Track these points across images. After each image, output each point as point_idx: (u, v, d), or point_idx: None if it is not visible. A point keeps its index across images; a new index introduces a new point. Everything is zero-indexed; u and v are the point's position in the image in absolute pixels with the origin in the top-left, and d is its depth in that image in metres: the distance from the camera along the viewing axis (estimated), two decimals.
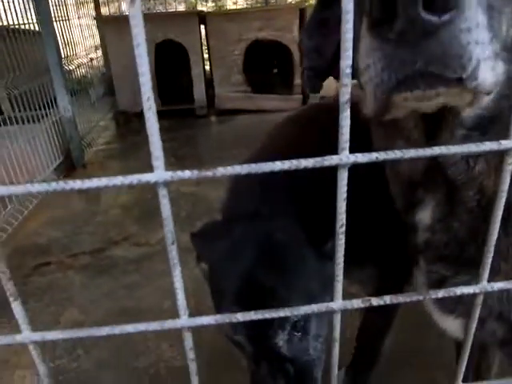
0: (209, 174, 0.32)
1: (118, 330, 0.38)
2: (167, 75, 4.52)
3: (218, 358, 1.40)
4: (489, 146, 0.33)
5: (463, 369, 0.45)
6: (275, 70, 4.95)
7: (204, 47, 4.91)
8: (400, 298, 0.39)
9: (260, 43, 4.34)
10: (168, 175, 0.31)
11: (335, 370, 0.42)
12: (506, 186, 0.35)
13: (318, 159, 0.32)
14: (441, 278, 0.72)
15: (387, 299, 0.39)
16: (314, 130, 0.99)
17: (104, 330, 0.38)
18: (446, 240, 0.68)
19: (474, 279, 0.67)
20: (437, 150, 0.33)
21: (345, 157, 0.32)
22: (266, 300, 0.77)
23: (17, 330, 0.38)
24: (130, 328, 0.38)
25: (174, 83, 4.57)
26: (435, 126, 0.58)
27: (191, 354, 0.40)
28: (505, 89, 0.51)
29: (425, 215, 0.69)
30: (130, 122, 4.49)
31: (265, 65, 4.76)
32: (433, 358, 1.43)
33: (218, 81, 4.49)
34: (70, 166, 3.53)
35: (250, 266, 0.80)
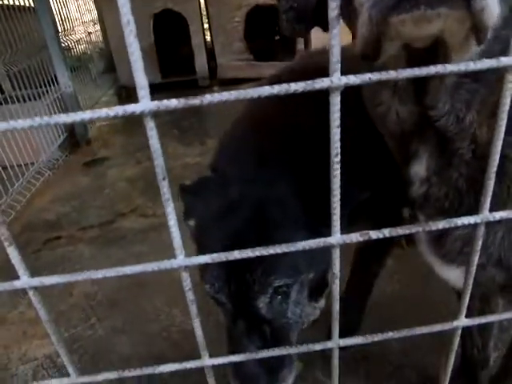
0: (196, 101, 0.31)
1: (113, 272, 0.38)
2: (167, 47, 4.45)
3: None
4: (488, 63, 0.32)
5: (466, 303, 0.44)
6: (277, 37, 4.83)
7: (204, 17, 4.80)
8: (399, 231, 0.38)
9: (260, 9, 4.23)
10: (154, 104, 0.30)
11: (336, 307, 0.42)
12: (506, 107, 0.33)
13: (309, 82, 0.30)
14: (441, 232, 0.71)
15: (386, 232, 0.38)
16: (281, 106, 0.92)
17: (101, 273, 0.38)
18: (444, 193, 0.67)
19: (472, 231, 0.66)
20: (432, 69, 0.31)
21: (336, 79, 0.30)
22: (252, 266, 0.76)
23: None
24: (126, 270, 0.38)
25: (175, 55, 4.50)
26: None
27: (190, 295, 0.40)
28: (498, 30, 0.49)
29: (420, 168, 0.67)
30: (132, 97, 4.46)
31: (266, 31, 4.65)
32: (436, 311, 1.44)
33: (219, 49, 4.41)
34: (74, 143, 3.53)
35: (240, 230, 0.78)
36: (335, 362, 0.47)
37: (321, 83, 0.31)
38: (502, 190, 0.61)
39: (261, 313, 0.79)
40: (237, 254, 0.37)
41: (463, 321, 0.46)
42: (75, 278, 0.38)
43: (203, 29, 4.61)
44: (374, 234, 0.38)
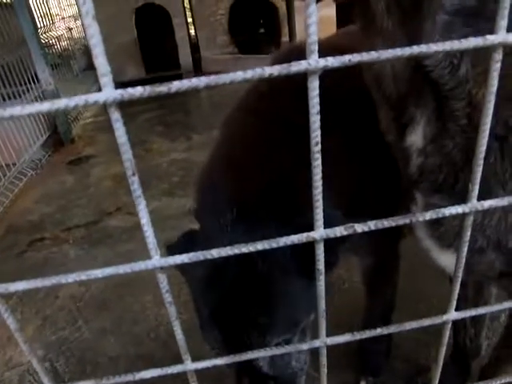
0: (163, 89, 0.28)
1: (84, 275, 0.35)
2: (150, 42, 4.38)
3: None
4: (473, 41, 0.30)
5: (456, 296, 0.43)
6: (262, 30, 4.79)
7: (187, 10, 4.74)
8: (385, 223, 0.36)
9: (244, 1, 4.19)
10: (118, 93, 0.28)
11: (322, 305, 0.40)
12: (493, 88, 0.32)
13: (285, 65, 0.28)
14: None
15: (371, 225, 0.36)
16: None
17: (71, 277, 0.35)
18: (438, 164, 0.65)
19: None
20: (416, 49, 0.29)
21: (314, 61, 0.28)
22: (248, 329, 0.74)
23: None
24: (98, 273, 0.35)
25: (158, 49, 4.44)
26: (414, 10, 0.54)
27: (168, 297, 0.38)
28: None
29: (416, 137, 0.65)
30: None
31: (251, 24, 4.61)
32: (428, 304, 1.44)
33: (203, 43, 4.36)
34: (57, 142, 3.47)
35: (229, 291, 0.74)
36: (323, 360, 0.45)
37: (298, 66, 0.28)
38: (504, 170, 0.59)
39: (263, 371, 0.77)
40: (215, 253, 0.35)
41: (453, 314, 0.44)
42: (42, 283, 0.35)
43: (187, 22, 4.55)
44: (359, 228, 0.36)
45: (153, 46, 4.44)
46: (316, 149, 0.32)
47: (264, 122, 0.86)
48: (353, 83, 0.77)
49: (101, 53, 0.27)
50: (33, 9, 3.36)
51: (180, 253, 0.87)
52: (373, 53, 0.29)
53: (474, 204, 0.37)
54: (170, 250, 0.82)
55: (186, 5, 4.66)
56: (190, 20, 4.76)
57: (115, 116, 0.29)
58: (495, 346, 0.95)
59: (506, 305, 0.46)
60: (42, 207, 2.55)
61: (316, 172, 0.33)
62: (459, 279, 0.43)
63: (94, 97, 0.28)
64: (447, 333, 0.46)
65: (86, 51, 4.95)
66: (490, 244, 0.65)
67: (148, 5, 4.11)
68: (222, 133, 0.95)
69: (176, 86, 0.29)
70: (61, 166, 3.10)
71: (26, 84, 3.24)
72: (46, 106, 0.28)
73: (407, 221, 0.37)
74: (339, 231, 0.36)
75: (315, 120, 0.31)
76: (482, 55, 0.54)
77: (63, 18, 4.47)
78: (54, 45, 4.08)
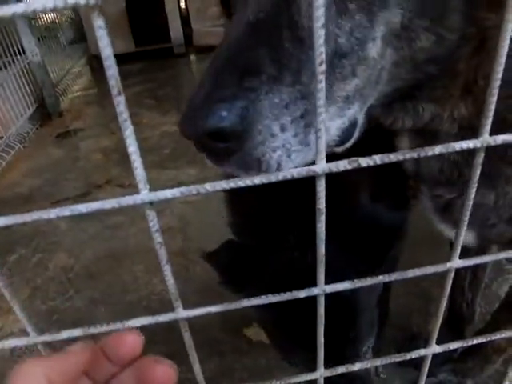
0: None
1: (67, 211, 0.32)
2: (140, 14, 4.25)
3: (208, 289, 1.39)
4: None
5: (460, 243, 0.41)
6: None
7: None
8: (391, 157, 0.34)
9: None
10: None
11: (322, 249, 0.38)
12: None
13: None
14: (447, 202, 0.70)
15: (377, 159, 0.34)
16: None
17: (53, 212, 0.33)
18: (438, 168, 0.66)
19: (482, 198, 0.64)
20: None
21: None
22: (340, 344, 0.77)
23: None
24: (82, 208, 0.33)
25: (148, 22, 4.31)
26: None
27: (158, 238, 0.35)
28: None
29: (404, 145, 0.66)
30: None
31: None
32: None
33: (194, 15, 4.25)
34: (45, 115, 3.38)
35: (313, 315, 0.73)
36: (321, 310, 0.43)
37: None
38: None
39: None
40: (209, 187, 0.33)
41: (457, 262, 0.43)
42: (24, 218, 0.33)
43: None
44: (364, 162, 0.34)
45: (142, 18, 4.31)
46: (321, 69, 0.29)
47: None
48: None
49: None
50: None
51: (221, 261, 0.86)
52: None
53: (486, 138, 0.35)
54: (211, 258, 0.82)
55: None
56: None
57: (98, 23, 0.26)
58: (496, 309, 0.96)
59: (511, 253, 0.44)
60: (31, 180, 2.50)
61: (319, 88, 0.30)
62: (465, 225, 0.41)
63: None
64: (450, 282, 0.44)
65: (73, 23, 4.81)
66: (502, 220, 0.66)
67: None
68: None
69: None
70: (49, 140, 3.03)
71: (11, 55, 3.14)
72: (40, 3, 0.25)
73: (414, 155, 0.35)
74: (342, 165, 0.34)
75: (320, 35, 0.28)
76: (446, 94, 0.54)
77: None
78: (40, 17, 3.96)
